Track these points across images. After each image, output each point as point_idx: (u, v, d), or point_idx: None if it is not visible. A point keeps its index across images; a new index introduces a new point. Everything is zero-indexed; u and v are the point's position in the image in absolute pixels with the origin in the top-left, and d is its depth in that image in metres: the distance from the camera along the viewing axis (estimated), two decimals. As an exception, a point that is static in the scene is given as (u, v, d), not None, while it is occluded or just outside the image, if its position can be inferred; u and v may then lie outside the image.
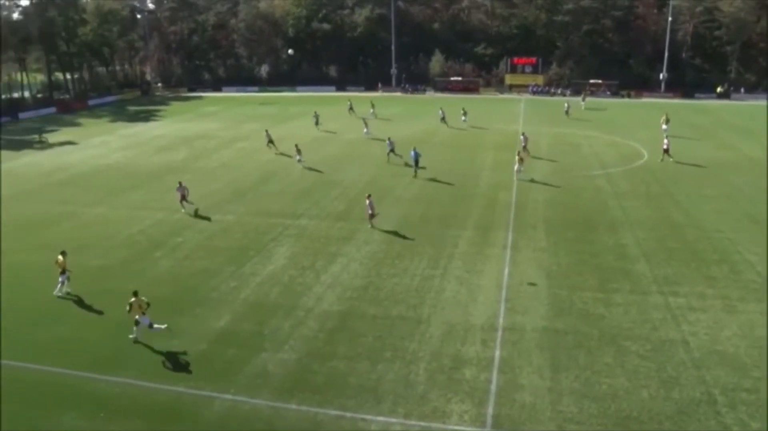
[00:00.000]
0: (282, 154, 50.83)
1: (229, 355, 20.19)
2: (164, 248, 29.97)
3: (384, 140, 49.33)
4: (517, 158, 41.74)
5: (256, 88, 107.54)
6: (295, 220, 33.61)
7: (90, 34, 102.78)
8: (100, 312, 23.65)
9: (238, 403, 17.71)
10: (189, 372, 19.32)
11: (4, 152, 58.03)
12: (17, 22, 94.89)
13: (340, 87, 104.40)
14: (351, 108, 72.68)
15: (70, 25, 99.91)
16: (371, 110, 71.51)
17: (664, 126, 57.82)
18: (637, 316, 22.36)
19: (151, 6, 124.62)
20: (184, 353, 20.39)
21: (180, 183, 35.70)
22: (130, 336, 21.19)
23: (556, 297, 23.86)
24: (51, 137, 65.35)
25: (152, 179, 44.06)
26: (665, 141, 47.37)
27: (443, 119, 64.24)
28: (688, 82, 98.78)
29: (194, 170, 46.72)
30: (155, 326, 21.11)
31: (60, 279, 24.75)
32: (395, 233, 31.28)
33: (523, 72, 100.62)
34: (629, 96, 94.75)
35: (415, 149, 42.80)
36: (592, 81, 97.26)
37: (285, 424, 16.81)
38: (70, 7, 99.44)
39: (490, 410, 17.13)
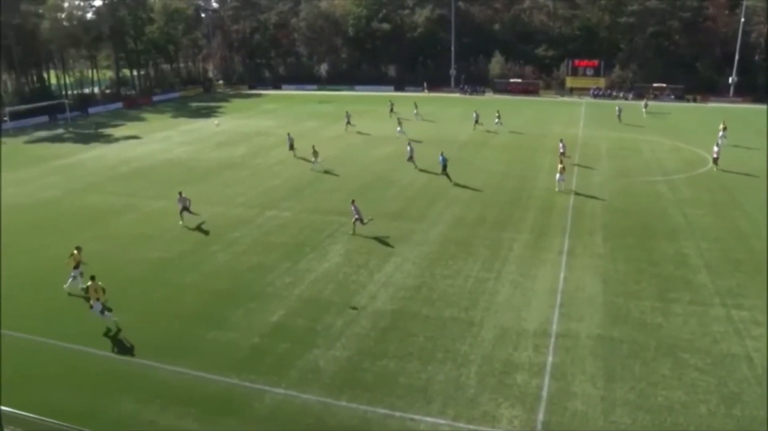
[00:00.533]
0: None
1: (282, 350, 20.49)
2: (221, 243, 30.63)
3: (438, 140, 49.11)
4: (559, 166, 39.81)
5: (314, 87, 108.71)
6: (351, 218, 33.79)
7: (156, 32, 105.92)
8: (158, 303, 24.33)
9: (289, 397, 17.95)
10: (242, 364, 19.68)
11: (73, 146, 60.32)
12: (90, 21, 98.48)
13: (399, 87, 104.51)
14: (392, 109, 72.51)
15: (139, 23, 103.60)
16: (414, 111, 71.10)
17: (720, 134, 55.32)
18: (697, 328, 21.68)
19: (215, 5, 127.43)
20: (238, 346, 20.79)
21: (180, 194, 34.10)
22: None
23: (612, 305, 23.35)
24: (117, 132, 67.66)
25: (211, 174, 45.04)
26: (715, 149, 45.34)
27: (477, 121, 62.98)
28: (759, 87, 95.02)
29: (252, 166, 47.56)
30: (106, 314, 21.88)
31: (72, 274, 25.37)
32: (450, 234, 31.16)
33: (584, 75, 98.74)
34: (695, 101, 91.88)
35: (443, 154, 42.08)
36: (655, 85, 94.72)
37: (334, 420, 16.96)
38: (139, 6, 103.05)
39: (540, 416, 16.91)
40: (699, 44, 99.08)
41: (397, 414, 17.13)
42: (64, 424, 15.71)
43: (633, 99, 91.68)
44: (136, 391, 18.46)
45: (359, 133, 61.36)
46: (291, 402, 17.73)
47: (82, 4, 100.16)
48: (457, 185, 40.40)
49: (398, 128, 58.66)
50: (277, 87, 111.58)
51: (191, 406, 17.68)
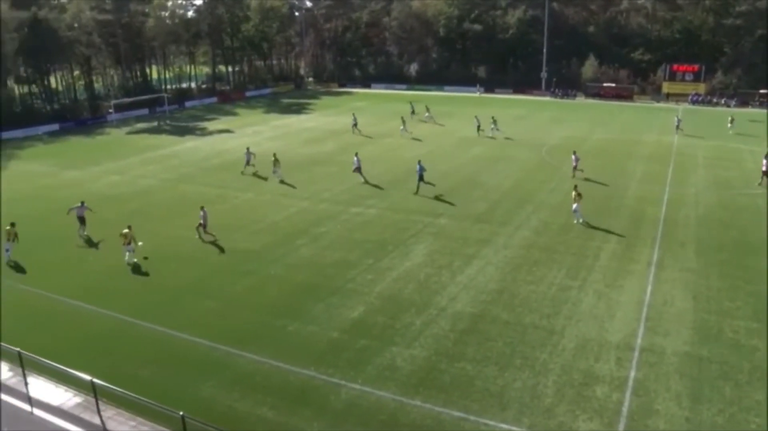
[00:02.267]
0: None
1: (360, 345, 20.71)
2: (306, 237, 31.26)
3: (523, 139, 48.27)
4: (573, 194, 33.77)
5: (404, 86, 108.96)
6: (435, 218, 33.79)
7: (252, 30, 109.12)
8: (242, 292, 25.09)
9: (365, 393, 18.12)
10: (321, 357, 20.02)
11: (170, 137, 63.00)
12: (190, 19, 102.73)
13: (489, 89, 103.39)
14: (413, 111, 71.35)
15: (235, 21, 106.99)
16: (426, 113, 69.76)
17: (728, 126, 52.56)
18: (797, 351, 20.42)
19: (308, 3, 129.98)
20: (318, 339, 21.17)
21: (202, 209, 32.34)
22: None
23: (703, 322, 22.29)
24: (211, 125, 70.20)
25: (299, 169, 46.00)
26: (765, 162, 41.31)
27: (479, 128, 59.92)
28: None
29: (339, 162, 48.22)
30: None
31: (127, 249, 28.02)
32: (535, 240, 30.62)
33: (683, 80, 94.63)
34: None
35: (420, 163, 39.68)
36: (762, 91, 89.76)
37: (408, 419, 17.00)
38: (236, 4, 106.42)
39: (620, 432, 16.38)
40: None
41: (472, 417, 16.99)
42: (150, 401, 16.41)
43: (736, 106, 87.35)
44: (217, 376, 19.11)
45: (445, 131, 61.21)
46: (366, 398, 17.90)
47: (184, 2, 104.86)
48: (545, 189, 39.60)
49: (401, 127, 60.40)
50: (367, 86, 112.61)
51: (269, 395, 18.14)
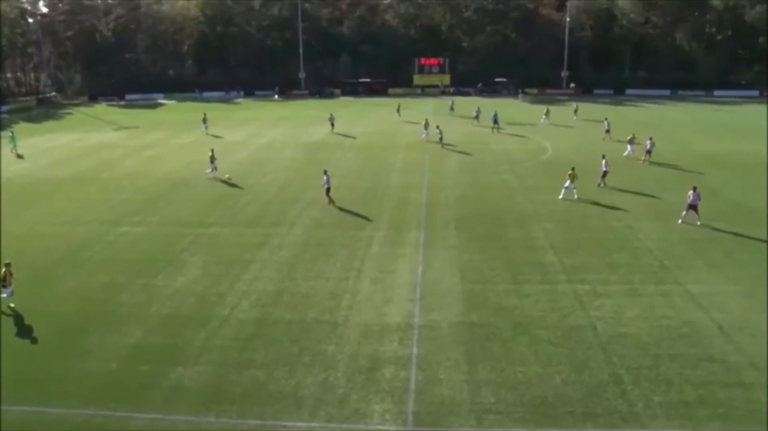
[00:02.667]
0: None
1: (142, 372, 19.42)
2: (68, 264, 28.49)
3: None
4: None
5: (161, 95, 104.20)
6: (206, 228, 32.81)
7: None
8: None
9: (154, 421, 17.04)
10: (100, 393, 18.41)
11: None
12: None
13: (249, 92, 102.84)
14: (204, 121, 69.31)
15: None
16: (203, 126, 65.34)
17: (543, 118, 62.14)
18: (548, 305, 23.10)
19: (44, 9, 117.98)
20: (94, 374, 19.46)
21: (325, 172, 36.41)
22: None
23: (470, 292, 24.29)
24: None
25: (53, 192, 41.89)
26: (603, 162, 41.65)
27: (333, 124, 62.84)
28: (586, 80, 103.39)
29: (100, 180, 44.78)
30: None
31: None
32: (309, 237, 31.06)
33: (431, 72, 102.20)
34: (525, 93, 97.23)
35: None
36: (497, 80, 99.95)
37: (202, 438, 16.35)
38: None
39: (410, 407, 17.20)
40: (533, 42, 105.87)
41: (269, 422, 16.78)
42: None
43: (475, 95, 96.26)
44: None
45: (216, 137, 59.81)
46: (157, 426, 16.83)
47: None
48: (312, 187, 40.36)
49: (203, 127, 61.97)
50: (121, 97, 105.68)
51: (42, 445, 16.35)
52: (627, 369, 18.75)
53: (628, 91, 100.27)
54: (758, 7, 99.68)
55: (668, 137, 57.18)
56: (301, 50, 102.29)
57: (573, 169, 37.43)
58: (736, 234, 30.63)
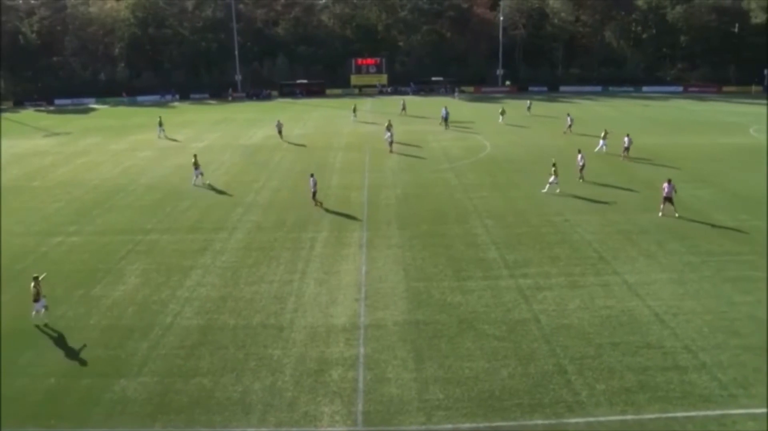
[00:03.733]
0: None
1: (84, 386, 18.74)
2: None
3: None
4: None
5: (93, 100, 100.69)
6: (145, 235, 31.97)
7: None
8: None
9: (97, 436, 16.54)
10: (38, 410, 17.70)
11: None
12: None
13: (185, 95, 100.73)
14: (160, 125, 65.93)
15: None
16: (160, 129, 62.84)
17: (500, 119, 62.06)
18: (492, 300, 23.43)
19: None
20: (32, 392, 18.67)
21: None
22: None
23: (415, 290, 24.43)
24: None
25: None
26: (579, 156, 41.59)
27: (280, 131, 59.07)
28: (521, 77, 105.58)
29: (31, 189, 42.98)
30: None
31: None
32: (251, 241, 30.64)
33: (368, 72, 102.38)
34: (462, 92, 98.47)
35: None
36: (434, 78, 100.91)
37: (148, 451, 15.92)
38: None
39: (359, 407, 17.19)
40: (468, 40, 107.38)
41: (217, 430, 16.50)
42: None
43: (413, 94, 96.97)
44: None
45: (174, 140, 58.39)
46: (99, 442, 16.34)
47: None
48: (252, 191, 39.85)
49: (159, 130, 60.75)
50: (50, 102, 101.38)
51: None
52: (571, 360, 19.20)
53: (562, 88, 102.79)
54: (678, 8, 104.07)
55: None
56: (236, 52, 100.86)
57: (555, 164, 37.95)
58: (667, 224, 31.78)
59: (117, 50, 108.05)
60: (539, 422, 16.38)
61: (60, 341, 21.55)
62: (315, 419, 16.80)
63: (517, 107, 76.63)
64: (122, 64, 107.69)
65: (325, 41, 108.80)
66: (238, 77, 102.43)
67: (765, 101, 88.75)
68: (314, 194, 35.76)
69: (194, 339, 21.25)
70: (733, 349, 19.75)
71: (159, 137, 60.52)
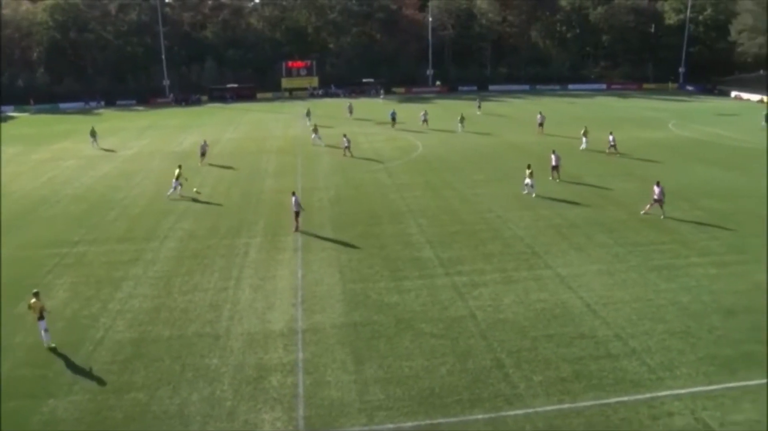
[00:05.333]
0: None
1: (10, 409, 17.88)
2: None
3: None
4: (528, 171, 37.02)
5: (11, 107, 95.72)
6: (72, 248, 30.80)
7: None
8: None
9: (26, 459, 15.84)
10: (-43, 436, 16.88)
11: None
12: None
13: (110, 102, 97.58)
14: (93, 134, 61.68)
15: None
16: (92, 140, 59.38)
17: (422, 117, 62.87)
18: (428, 299, 23.63)
19: None
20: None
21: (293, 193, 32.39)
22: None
23: (351, 292, 24.40)
24: None
25: None
26: (553, 157, 41.08)
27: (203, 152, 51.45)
28: (451, 77, 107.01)
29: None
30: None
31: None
32: (183, 249, 29.94)
33: (298, 75, 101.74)
34: (392, 92, 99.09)
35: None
36: (364, 80, 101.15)
37: (80, 471, 15.36)
38: None
39: (300, 412, 17.04)
40: (398, 41, 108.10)
41: (153, 445, 16.09)
42: None
43: (345, 96, 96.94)
44: None
45: (109, 151, 56.38)
46: (27, 465, 15.66)
47: None
48: (185, 197, 38.99)
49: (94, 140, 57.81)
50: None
51: None
52: (508, 353, 19.56)
53: (491, 87, 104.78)
54: (599, 9, 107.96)
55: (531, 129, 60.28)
56: (163, 56, 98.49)
57: (529, 165, 37.75)
58: (595, 218, 32.80)
59: (35, 55, 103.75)
60: (479, 416, 16.62)
61: (-18, 361, 20.54)
62: (256, 427, 16.57)
63: (447, 108, 77.71)
64: (41, 70, 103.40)
65: (255, 44, 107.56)
66: (166, 82, 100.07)
67: (681, 98, 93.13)
68: (297, 214, 31.61)
69: (127, 352, 20.61)
70: (659, 334, 20.59)
71: (93, 148, 58.00)
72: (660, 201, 32.65)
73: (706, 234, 30.19)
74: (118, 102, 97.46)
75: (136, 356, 20.34)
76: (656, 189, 32.70)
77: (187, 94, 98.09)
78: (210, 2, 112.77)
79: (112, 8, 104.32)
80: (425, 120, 63.52)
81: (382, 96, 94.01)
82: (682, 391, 17.47)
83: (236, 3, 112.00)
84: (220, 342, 20.96)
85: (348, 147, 49.84)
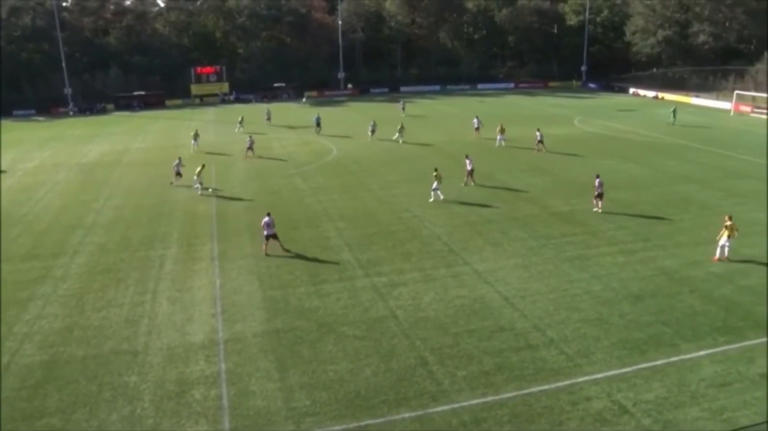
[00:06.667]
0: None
1: None
2: None
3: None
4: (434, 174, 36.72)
5: None
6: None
7: None
8: None
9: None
10: None
11: None
12: None
13: (6, 112, 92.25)
14: None
15: None
16: None
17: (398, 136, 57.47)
18: (349, 301, 23.71)
19: None
20: None
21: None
22: None
23: (272, 299, 24.18)
24: None
25: None
26: (467, 161, 40.32)
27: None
28: (363, 80, 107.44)
29: None
30: None
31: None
32: (95, 264, 28.77)
33: (208, 81, 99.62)
34: (300, 96, 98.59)
35: None
36: (276, 84, 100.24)
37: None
38: None
39: (226, 425, 16.75)
40: (308, 45, 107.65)
41: (70, 471, 15.42)
42: None
43: (257, 101, 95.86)
44: None
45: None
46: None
47: None
48: (92, 211, 37.51)
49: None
50: None
51: None
52: (431, 351, 19.89)
53: (403, 88, 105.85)
54: (504, 10, 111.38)
55: (440, 128, 61.39)
56: (63, 63, 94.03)
57: (436, 169, 37.42)
58: (509, 214, 33.77)
59: None
60: (406, 415, 16.82)
61: None
62: (179, 443, 16.19)
63: (360, 110, 78.01)
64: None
65: (162, 50, 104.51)
66: (68, 90, 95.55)
67: (584, 95, 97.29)
68: (274, 236, 28.70)
69: (38, 376, 19.62)
70: (575, 323, 21.45)
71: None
72: (601, 195, 33.81)
73: (614, 224, 31.67)
74: (15, 112, 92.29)
75: (47, 379, 19.40)
76: (596, 182, 33.89)
77: (92, 103, 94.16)
78: (112, 7, 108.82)
79: (3, 12, 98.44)
80: (373, 131, 58.78)
81: (305, 100, 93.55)
82: (599, 376, 18.29)
83: (140, 8, 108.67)
84: (139, 358, 20.32)
85: (251, 148, 49.89)
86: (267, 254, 28.66)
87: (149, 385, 18.75)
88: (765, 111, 70.79)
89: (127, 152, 57.05)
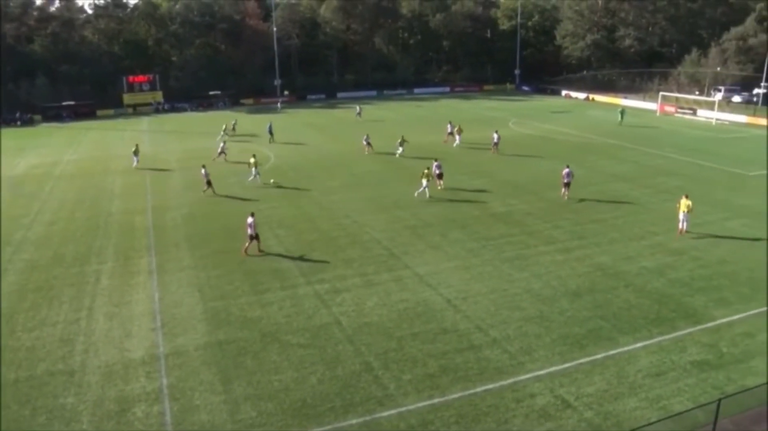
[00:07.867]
0: None
1: None
2: None
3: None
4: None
5: None
6: None
7: None
8: None
9: None
10: None
11: None
12: None
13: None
14: None
15: None
16: None
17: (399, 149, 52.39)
18: (292, 310, 23.57)
19: None
20: None
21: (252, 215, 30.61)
22: None
23: (213, 310, 23.80)
24: None
25: None
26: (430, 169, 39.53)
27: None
28: (299, 86, 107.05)
29: None
30: None
31: None
32: (25, 282, 27.64)
33: (141, 90, 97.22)
34: (236, 104, 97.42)
35: None
36: (211, 92, 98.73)
37: None
38: None
39: (169, 441, 16.43)
40: (243, 52, 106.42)
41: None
42: None
43: (192, 109, 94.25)
44: None
45: None
46: None
47: None
48: (21, 227, 36.10)
49: None
50: None
51: None
52: (375, 356, 19.95)
53: (339, 94, 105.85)
54: (438, 15, 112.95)
55: (385, 133, 61.61)
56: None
57: (428, 168, 38.44)
58: (448, 216, 34.18)
59: None
60: (353, 421, 16.84)
61: None
62: (121, 463, 15.74)
63: (296, 116, 77.60)
64: None
65: (91, 59, 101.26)
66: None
67: (518, 97, 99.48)
68: (256, 236, 29.52)
69: (-35, 402, 18.76)
70: (516, 322, 21.91)
71: None
72: (567, 184, 35.64)
73: (550, 224, 32.48)
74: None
75: (-23, 406, 18.56)
76: (564, 172, 35.75)
77: (16, 114, 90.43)
78: (35, 13, 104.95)
79: None
80: (368, 143, 54.75)
81: (279, 105, 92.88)
82: (541, 372, 18.73)
83: (66, 14, 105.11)
84: (76, 377, 19.66)
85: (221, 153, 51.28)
86: (247, 255, 29.09)
87: (87, 405, 18.18)
88: (688, 111, 74.60)
89: (58, 164, 55.14)
